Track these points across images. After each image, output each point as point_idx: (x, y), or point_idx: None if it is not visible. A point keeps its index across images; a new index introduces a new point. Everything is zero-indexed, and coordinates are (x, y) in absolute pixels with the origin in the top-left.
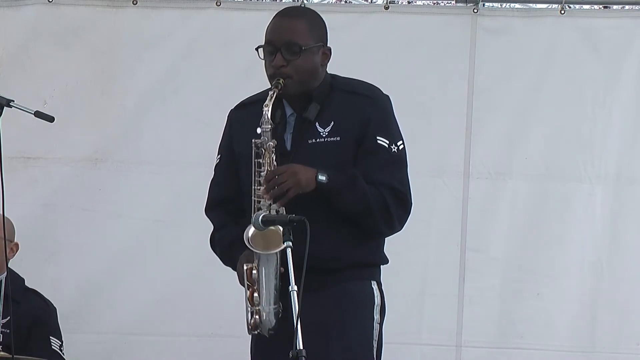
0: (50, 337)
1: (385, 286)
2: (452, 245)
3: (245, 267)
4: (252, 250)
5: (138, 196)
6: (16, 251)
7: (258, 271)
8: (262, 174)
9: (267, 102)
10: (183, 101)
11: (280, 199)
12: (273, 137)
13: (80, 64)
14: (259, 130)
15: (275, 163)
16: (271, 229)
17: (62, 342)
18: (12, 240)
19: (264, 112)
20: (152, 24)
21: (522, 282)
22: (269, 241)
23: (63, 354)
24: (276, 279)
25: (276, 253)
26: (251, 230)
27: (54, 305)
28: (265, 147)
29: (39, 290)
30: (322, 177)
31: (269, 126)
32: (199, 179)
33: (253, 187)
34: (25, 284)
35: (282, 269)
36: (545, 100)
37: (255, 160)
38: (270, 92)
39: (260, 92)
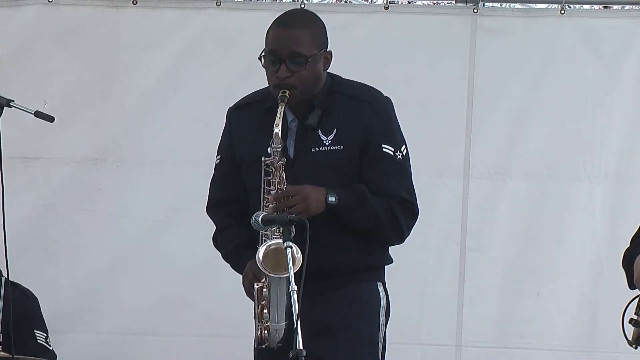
0: (35, 331)
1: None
2: (452, 245)
3: (256, 286)
4: (266, 274)
5: (138, 196)
6: None
7: (269, 289)
8: (271, 192)
9: (277, 121)
10: (183, 101)
11: None
12: (283, 155)
13: (80, 64)
14: (269, 150)
15: (285, 182)
16: (282, 248)
17: (47, 334)
18: None
19: (274, 132)
20: (152, 24)
21: (522, 282)
22: (280, 258)
23: (49, 345)
24: (286, 296)
25: (286, 279)
26: (262, 251)
27: (40, 300)
28: (275, 165)
29: (39, 290)
30: (331, 199)
31: (279, 145)
32: (199, 179)
33: (262, 204)
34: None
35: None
36: (545, 100)
37: (265, 178)
38: (279, 109)
39: (258, 91)
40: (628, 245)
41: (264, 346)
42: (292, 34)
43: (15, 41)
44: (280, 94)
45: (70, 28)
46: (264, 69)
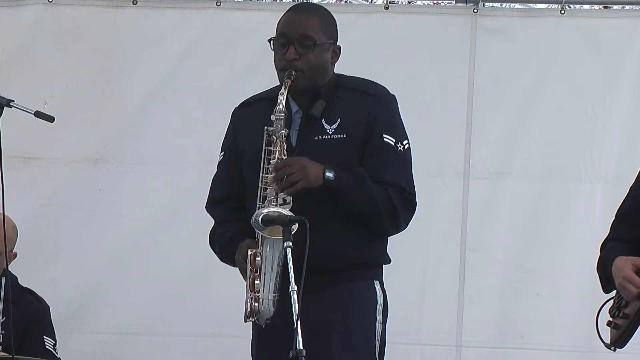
0: (44, 337)
1: (386, 286)
2: (452, 245)
3: (249, 252)
4: (261, 235)
5: (138, 196)
6: (13, 259)
7: (262, 257)
8: (271, 161)
9: (282, 90)
10: (183, 101)
11: (287, 189)
12: (285, 126)
13: (80, 64)
14: (272, 118)
15: (285, 152)
16: (279, 215)
17: (55, 341)
18: (11, 250)
19: (279, 100)
20: (152, 24)
21: (522, 282)
22: (275, 229)
23: (57, 352)
24: (279, 266)
25: (281, 241)
26: (261, 214)
27: (48, 304)
28: (277, 135)
29: (39, 290)
30: (329, 174)
31: (283, 115)
32: (199, 179)
33: (261, 174)
34: (19, 282)
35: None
36: (545, 100)
37: (266, 147)
38: (284, 83)
39: (264, 91)
40: (599, 253)
41: (252, 319)
42: (303, 18)
43: (15, 41)
44: (287, 73)
45: (70, 28)
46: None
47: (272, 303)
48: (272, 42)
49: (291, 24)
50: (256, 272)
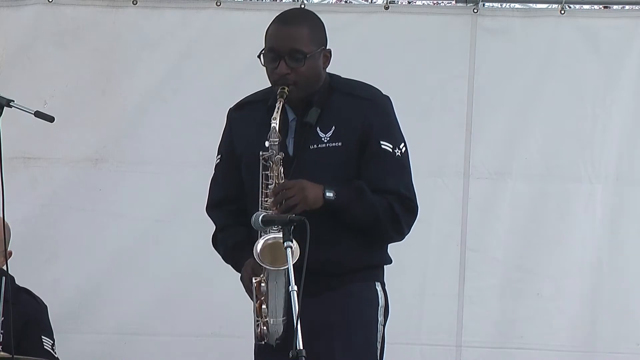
0: (42, 337)
1: (386, 286)
2: (452, 245)
3: (254, 280)
4: (264, 267)
5: (138, 196)
6: (8, 258)
7: (267, 284)
8: (269, 186)
9: (274, 114)
10: (183, 101)
11: (286, 213)
12: (281, 149)
13: (80, 64)
14: (267, 144)
15: (283, 176)
16: (280, 242)
17: (53, 341)
18: (6, 248)
19: (272, 126)
20: (152, 24)
21: (522, 282)
22: (278, 253)
23: (55, 352)
24: (285, 291)
25: (284, 272)
26: (260, 244)
27: (47, 304)
28: (273, 160)
29: (39, 290)
30: (329, 194)
31: (277, 139)
32: (199, 179)
33: (260, 198)
34: (16, 282)
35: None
36: (545, 100)
37: (263, 172)
38: (277, 104)
39: (259, 91)
40: None
41: (263, 342)
42: (291, 31)
43: (15, 41)
44: (279, 90)
45: (70, 28)
46: (264, 68)
47: (280, 326)
48: (261, 55)
49: (279, 38)
50: (262, 297)
